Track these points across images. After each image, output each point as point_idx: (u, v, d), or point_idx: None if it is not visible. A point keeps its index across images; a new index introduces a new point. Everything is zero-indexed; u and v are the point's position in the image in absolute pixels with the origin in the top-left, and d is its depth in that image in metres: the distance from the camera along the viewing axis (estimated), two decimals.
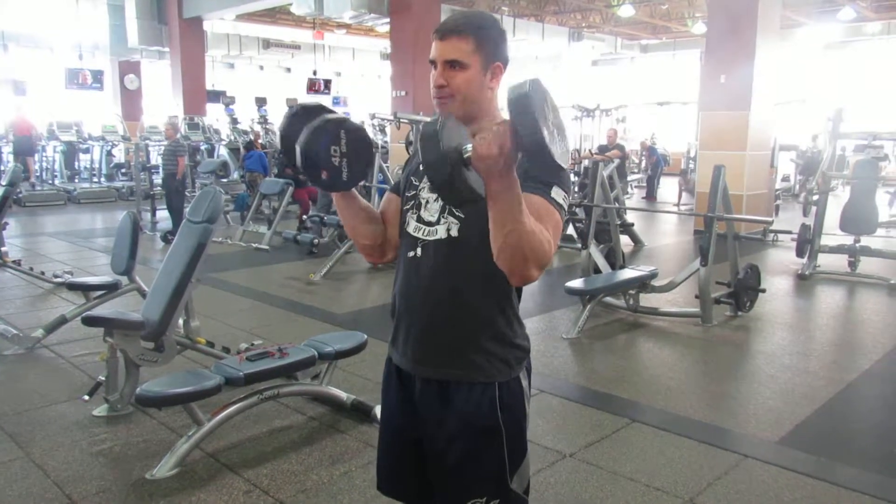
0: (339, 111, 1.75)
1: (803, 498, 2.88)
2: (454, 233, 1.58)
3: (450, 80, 1.56)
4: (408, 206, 1.68)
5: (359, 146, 1.59)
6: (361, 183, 1.80)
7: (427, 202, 1.62)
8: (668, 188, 15.49)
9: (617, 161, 9.03)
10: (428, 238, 1.61)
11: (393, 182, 1.89)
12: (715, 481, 3.02)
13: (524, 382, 1.66)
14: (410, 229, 1.65)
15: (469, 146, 1.27)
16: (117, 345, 3.58)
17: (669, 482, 3.00)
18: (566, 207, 1.54)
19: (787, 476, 3.06)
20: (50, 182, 14.70)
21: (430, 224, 1.61)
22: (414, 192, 1.67)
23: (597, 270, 5.96)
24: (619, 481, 3.01)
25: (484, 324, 1.59)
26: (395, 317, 1.71)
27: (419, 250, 1.62)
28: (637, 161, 18.26)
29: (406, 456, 1.71)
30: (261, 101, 16.56)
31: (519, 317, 1.65)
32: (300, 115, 1.61)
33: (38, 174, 14.69)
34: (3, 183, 6.88)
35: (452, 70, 1.56)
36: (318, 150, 1.54)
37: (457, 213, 1.57)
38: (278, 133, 1.66)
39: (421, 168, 1.65)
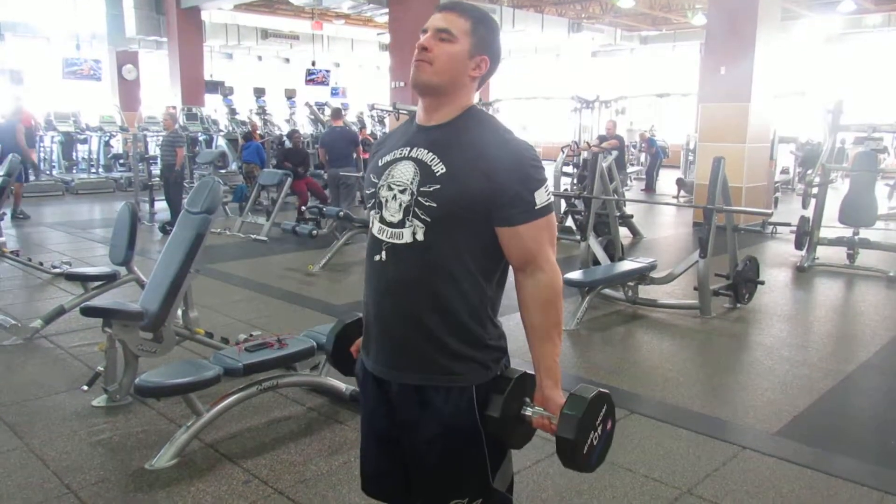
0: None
1: (801, 489, 2.89)
2: (420, 237, 1.51)
3: (434, 47, 1.54)
4: (369, 205, 1.62)
5: None
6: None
7: (386, 201, 1.56)
8: (668, 180, 15.49)
9: (615, 152, 9.01)
10: (393, 241, 1.54)
11: None
12: (713, 472, 3.02)
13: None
14: (375, 231, 1.59)
15: (528, 412, 1.59)
16: (116, 335, 3.57)
17: (667, 473, 3.01)
18: (551, 198, 1.55)
19: (785, 467, 3.07)
20: (48, 172, 14.66)
21: (393, 225, 1.54)
22: (373, 189, 1.61)
23: (596, 262, 5.96)
24: (618, 472, 3.01)
25: (456, 329, 1.54)
26: (365, 323, 1.68)
27: (384, 254, 1.56)
28: (636, 153, 18.25)
29: (388, 457, 1.69)
30: (259, 92, 16.53)
31: (493, 318, 1.61)
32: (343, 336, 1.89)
33: (36, 166, 14.62)
34: (0, 174, 6.86)
35: (440, 40, 1.54)
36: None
37: (422, 216, 1.51)
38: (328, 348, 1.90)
39: (380, 164, 1.62)
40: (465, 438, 1.56)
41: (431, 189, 1.50)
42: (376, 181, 1.60)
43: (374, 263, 1.59)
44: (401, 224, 1.53)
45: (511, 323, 1.64)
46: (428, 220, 1.50)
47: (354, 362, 1.80)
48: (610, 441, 1.59)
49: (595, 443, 1.53)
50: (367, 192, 1.64)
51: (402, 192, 1.53)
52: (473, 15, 1.56)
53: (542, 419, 1.57)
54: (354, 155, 9.76)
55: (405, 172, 1.54)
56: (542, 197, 1.52)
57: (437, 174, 1.51)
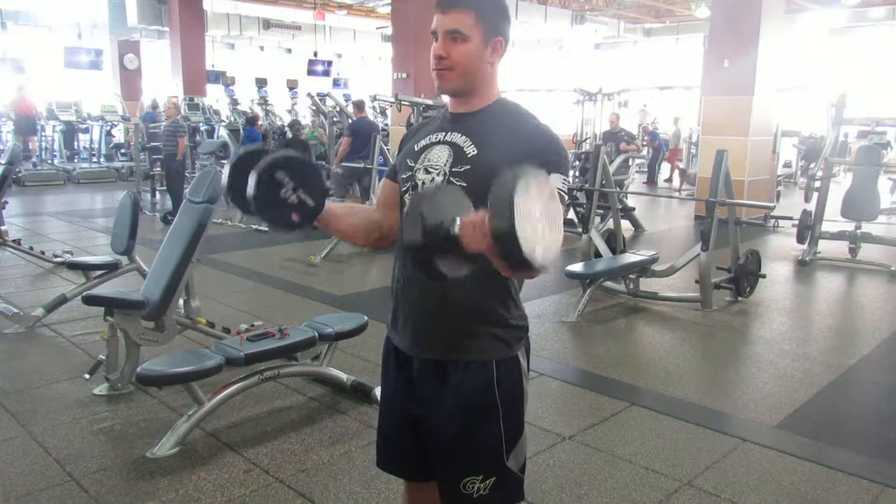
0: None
1: (801, 482, 2.90)
2: None
3: (450, 52, 1.56)
4: (405, 189, 1.66)
5: (303, 171, 1.54)
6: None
7: (423, 184, 1.61)
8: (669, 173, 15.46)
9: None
10: None
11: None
12: (713, 464, 3.03)
13: (522, 361, 1.67)
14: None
15: (457, 226, 1.23)
16: (118, 324, 3.58)
17: (668, 465, 3.02)
18: (567, 190, 1.54)
19: (785, 460, 3.08)
20: (49, 162, 14.65)
21: None
22: (409, 173, 1.65)
23: (597, 255, 5.96)
24: (618, 464, 3.02)
25: (481, 309, 1.59)
26: (394, 300, 1.71)
27: None
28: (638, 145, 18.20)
29: (405, 433, 1.72)
30: (261, 82, 16.49)
31: (516, 299, 1.65)
32: (241, 166, 1.55)
33: (37, 154, 14.62)
34: (3, 162, 6.85)
35: (453, 42, 1.55)
36: (270, 193, 1.50)
37: None
38: (227, 181, 1.58)
39: (416, 148, 1.65)
40: (482, 414, 1.59)
41: (462, 169, 1.56)
42: (412, 164, 1.65)
43: None
44: None
45: (533, 309, 1.63)
46: None
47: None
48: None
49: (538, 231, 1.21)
50: (403, 175, 1.67)
51: (438, 174, 1.59)
52: (474, 2, 1.56)
53: (469, 224, 1.23)
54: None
55: (440, 155, 1.60)
56: (555, 181, 1.49)
57: (469, 156, 1.57)
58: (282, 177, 1.52)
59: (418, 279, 1.60)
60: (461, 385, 1.59)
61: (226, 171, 1.60)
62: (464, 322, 1.59)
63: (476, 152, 1.56)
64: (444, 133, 1.63)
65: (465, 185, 1.53)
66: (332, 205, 1.65)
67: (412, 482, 1.83)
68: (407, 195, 1.64)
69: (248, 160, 1.54)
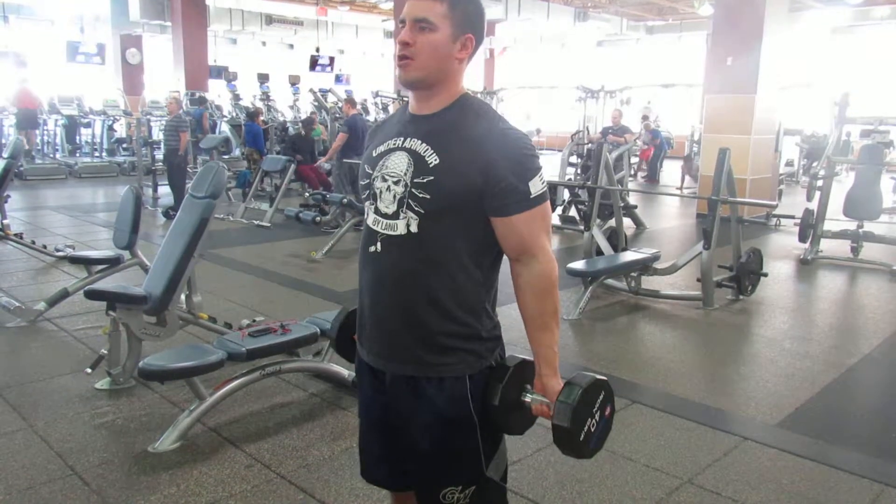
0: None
1: (801, 480, 2.90)
2: (413, 228, 1.50)
3: (415, 39, 1.49)
4: (364, 196, 1.61)
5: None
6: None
7: (381, 192, 1.54)
8: (671, 171, 15.43)
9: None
10: (387, 232, 1.53)
11: None
12: (714, 463, 3.03)
13: None
14: (370, 222, 1.58)
15: (528, 398, 1.61)
16: (120, 319, 3.58)
17: (668, 463, 3.02)
18: (545, 188, 1.53)
19: (786, 458, 3.08)
20: (51, 156, 14.65)
21: (387, 217, 1.53)
22: (368, 180, 1.59)
23: (599, 252, 5.95)
24: (618, 461, 3.02)
25: (450, 320, 1.54)
26: (359, 313, 1.67)
27: (378, 245, 1.54)
28: (640, 144, 18.17)
29: (385, 444, 1.69)
30: (263, 78, 16.46)
31: (488, 310, 1.60)
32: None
33: (38, 147, 14.62)
34: (5, 156, 6.86)
35: (421, 31, 1.49)
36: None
37: (415, 208, 1.49)
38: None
39: (374, 154, 1.60)
40: (458, 427, 1.56)
41: (425, 181, 1.48)
42: (370, 172, 1.59)
43: (368, 254, 1.58)
44: (395, 216, 1.52)
45: (514, 313, 1.63)
46: (422, 211, 1.49)
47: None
48: (609, 427, 1.60)
49: (592, 429, 1.55)
50: (362, 182, 1.63)
51: (396, 183, 1.51)
52: None
53: (540, 406, 1.59)
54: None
55: (399, 163, 1.52)
56: (536, 186, 1.50)
57: (431, 165, 1.49)
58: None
59: (387, 290, 1.56)
60: (435, 401, 1.55)
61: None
62: (434, 332, 1.54)
63: (438, 161, 1.48)
64: (402, 139, 1.55)
65: (428, 197, 1.48)
66: None
67: (396, 492, 1.81)
68: (368, 203, 1.59)
69: (353, 317, 1.80)
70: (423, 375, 1.56)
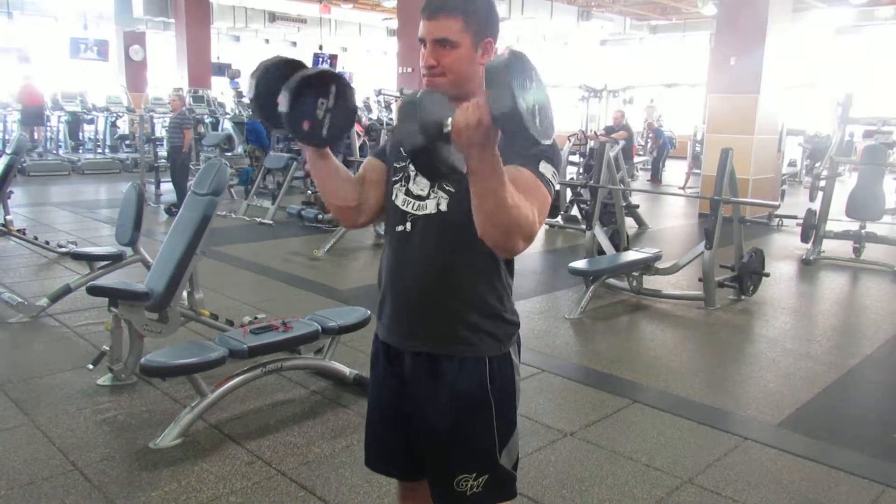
0: None
1: (802, 480, 2.90)
2: (444, 207, 1.55)
3: (440, 60, 1.52)
4: (396, 178, 1.64)
5: (346, 104, 1.54)
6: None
7: (416, 175, 1.59)
8: (674, 171, 15.43)
9: (623, 142, 8.97)
10: (417, 213, 1.58)
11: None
12: (714, 462, 3.03)
13: (514, 359, 1.67)
14: (399, 202, 1.62)
15: (449, 120, 1.25)
16: (122, 315, 3.59)
17: (669, 462, 3.02)
18: (555, 183, 1.52)
19: (787, 459, 3.08)
20: (54, 152, 14.66)
21: (419, 198, 1.59)
22: (403, 163, 1.63)
23: (601, 252, 5.95)
24: (619, 461, 3.03)
25: (474, 298, 1.58)
26: (382, 291, 1.69)
27: (408, 225, 1.59)
28: (643, 143, 18.17)
29: (395, 432, 1.71)
30: None
31: (509, 292, 1.64)
32: (277, 69, 1.54)
33: (37, 144, 14.62)
34: (8, 152, 6.87)
35: (442, 49, 1.51)
36: (307, 98, 1.48)
37: (446, 188, 1.55)
38: (253, 81, 1.54)
39: None
40: (475, 410, 1.59)
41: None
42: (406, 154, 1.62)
43: (396, 234, 1.62)
44: (426, 196, 1.57)
45: (521, 307, 1.64)
46: (452, 190, 1.54)
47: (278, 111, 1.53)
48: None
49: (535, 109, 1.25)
50: (396, 165, 1.65)
51: None
52: (460, 6, 1.51)
53: (462, 112, 1.24)
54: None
55: None
56: (547, 169, 1.50)
57: None
58: (331, 91, 1.50)
59: (412, 267, 1.59)
60: (455, 381, 1.59)
61: (255, 75, 1.55)
62: (458, 310, 1.58)
63: None
64: None
65: (452, 191, 1.53)
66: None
67: (405, 482, 1.82)
68: (398, 185, 1.62)
69: (285, 68, 1.54)
70: (444, 353, 1.59)
